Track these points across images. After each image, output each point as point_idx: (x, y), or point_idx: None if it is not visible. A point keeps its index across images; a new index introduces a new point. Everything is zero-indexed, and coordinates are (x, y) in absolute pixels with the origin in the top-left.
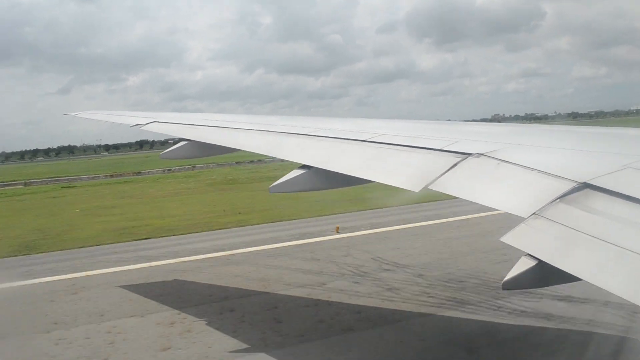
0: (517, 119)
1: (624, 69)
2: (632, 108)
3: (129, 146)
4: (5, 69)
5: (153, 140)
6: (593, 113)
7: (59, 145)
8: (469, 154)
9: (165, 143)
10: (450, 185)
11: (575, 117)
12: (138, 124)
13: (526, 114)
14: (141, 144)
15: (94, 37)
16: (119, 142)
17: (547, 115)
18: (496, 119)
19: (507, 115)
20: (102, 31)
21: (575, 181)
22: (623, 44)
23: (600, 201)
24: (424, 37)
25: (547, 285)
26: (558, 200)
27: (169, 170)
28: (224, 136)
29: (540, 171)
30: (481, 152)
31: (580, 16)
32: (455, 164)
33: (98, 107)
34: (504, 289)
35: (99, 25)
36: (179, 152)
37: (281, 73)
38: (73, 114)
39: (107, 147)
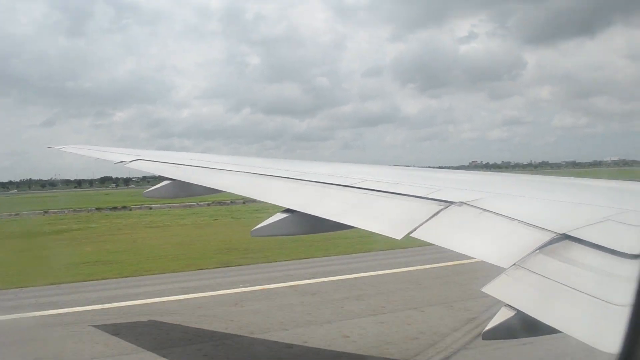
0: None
1: (604, 119)
2: (607, 159)
3: (99, 182)
4: None
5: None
6: (564, 163)
7: (40, 178)
8: (451, 202)
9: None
10: (432, 234)
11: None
12: (122, 161)
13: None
14: (116, 181)
15: (82, 72)
16: (103, 175)
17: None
18: (473, 165)
19: (489, 162)
20: (90, 66)
21: (555, 232)
22: (601, 94)
23: (580, 252)
24: (408, 82)
25: (527, 337)
26: (538, 250)
27: (150, 207)
28: (208, 177)
29: (520, 221)
30: (463, 201)
31: (560, 67)
32: (437, 212)
33: (84, 142)
34: (483, 339)
35: (87, 60)
36: (162, 192)
37: (267, 113)
38: (57, 147)
39: (78, 182)
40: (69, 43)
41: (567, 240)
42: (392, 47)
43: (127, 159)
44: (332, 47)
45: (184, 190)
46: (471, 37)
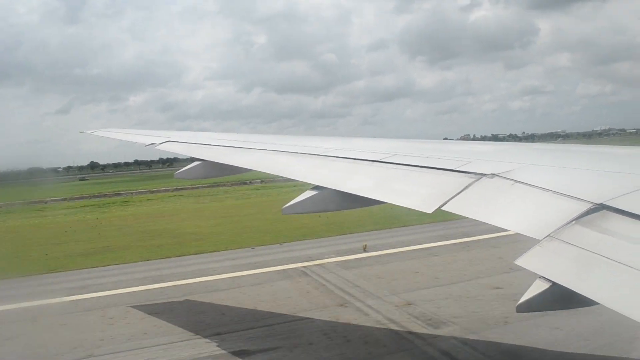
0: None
1: (630, 86)
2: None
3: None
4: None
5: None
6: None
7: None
8: (483, 175)
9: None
10: (463, 207)
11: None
12: (153, 143)
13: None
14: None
15: (88, 58)
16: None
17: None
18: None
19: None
20: (93, 52)
21: (592, 202)
22: (624, 60)
23: (618, 223)
24: (417, 54)
25: (562, 309)
26: (574, 221)
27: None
28: (238, 156)
29: (555, 192)
30: (495, 173)
31: (577, 32)
32: (469, 185)
33: (102, 127)
34: (517, 311)
35: (90, 47)
36: (193, 172)
37: (280, 92)
38: (90, 131)
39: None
40: (70, 30)
41: (604, 211)
42: (398, 19)
43: (157, 141)
44: (337, 21)
45: (214, 170)
46: (474, 5)
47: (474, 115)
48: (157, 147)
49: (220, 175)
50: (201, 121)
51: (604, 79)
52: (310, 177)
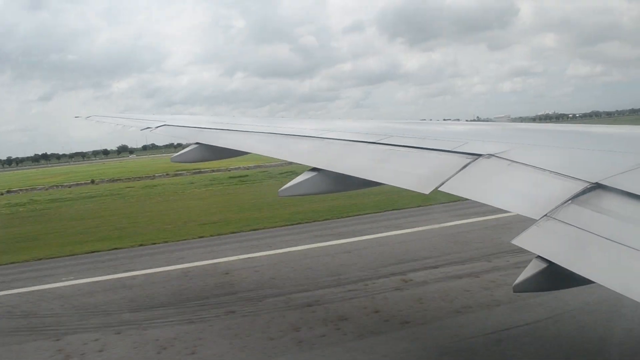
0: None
1: (619, 66)
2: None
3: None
4: None
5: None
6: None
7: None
8: (480, 155)
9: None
10: (460, 187)
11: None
12: (148, 127)
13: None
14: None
15: (62, 44)
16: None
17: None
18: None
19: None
20: (65, 38)
21: (587, 181)
22: (610, 39)
23: (613, 201)
24: (396, 36)
25: (558, 289)
26: (570, 201)
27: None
28: (235, 139)
29: (551, 172)
30: (491, 153)
31: (560, 12)
32: (466, 165)
33: (89, 114)
34: (514, 291)
35: (60, 33)
36: (190, 155)
37: (263, 76)
38: (85, 117)
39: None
40: (37, 16)
41: (599, 190)
42: (374, 1)
43: (153, 125)
44: (313, 2)
45: (211, 153)
46: None
47: (466, 98)
48: (153, 131)
49: (217, 159)
50: (189, 106)
51: (592, 60)
52: (306, 159)
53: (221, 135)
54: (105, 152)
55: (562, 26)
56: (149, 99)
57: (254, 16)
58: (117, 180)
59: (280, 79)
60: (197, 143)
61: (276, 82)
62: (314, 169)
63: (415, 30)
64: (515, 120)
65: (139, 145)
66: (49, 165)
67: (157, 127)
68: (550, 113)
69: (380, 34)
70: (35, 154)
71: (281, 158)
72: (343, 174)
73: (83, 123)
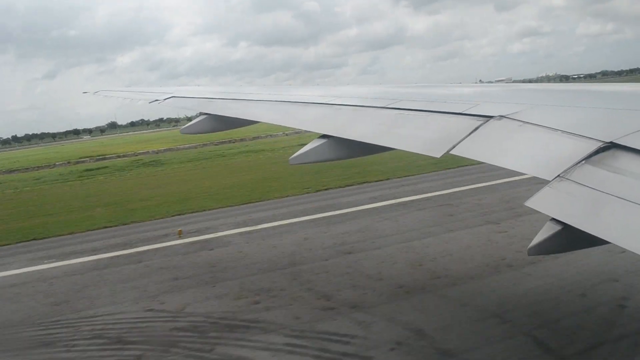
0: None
1: (631, 23)
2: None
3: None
4: None
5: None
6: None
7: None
8: (491, 117)
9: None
10: (472, 150)
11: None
12: (157, 100)
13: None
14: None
15: (60, 20)
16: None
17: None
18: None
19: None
20: (70, 13)
21: (602, 141)
22: None
23: (628, 161)
24: None
25: (573, 250)
26: (584, 161)
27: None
28: (243, 109)
29: (564, 132)
30: (503, 115)
31: None
32: (477, 128)
33: (95, 89)
34: (529, 254)
35: (58, 9)
36: (199, 127)
37: (266, 45)
38: (93, 92)
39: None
40: None
41: (614, 149)
42: None
43: (161, 98)
44: None
45: (220, 124)
46: None
47: (475, 60)
48: (162, 104)
49: (227, 129)
50: (194, 78)
51: (602, 18)
52: (315, 126)
53: (229, 105)
54: (102, 130)
55: None
56: (153, 72)
57: None
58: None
59: (284, 47)
60: (205, 114)
61: (280, 50)
62: (323, 136)
63: None
64: (517, 82)
65: (152, 118)
66: (30, 146)
67: (165, 99)
68: (550, 75)
69: None
70: (42, 132)
71: (290, 126)
72: (353, 140)
73: (91, 99)
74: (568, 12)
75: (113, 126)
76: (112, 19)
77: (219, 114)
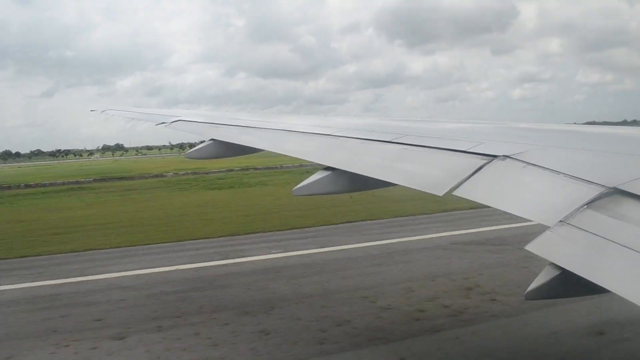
0: None
1: (630, 74)
2: None
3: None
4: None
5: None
6: None
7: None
8: (495, 156)
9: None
10: (474, 190)
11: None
12: (163, 122)
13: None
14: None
15: (59, 40)
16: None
17: None
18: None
19: None
20: (62, 34)
21: (604, 186)
22: (618, 45)
23: (631, 207)
24: (394, 38)
25: (572, 297)
26: (586, 206)
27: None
28: (249, 136)
29: (567, 175)
30: (507, 155)
31: (563, 16)
32: (481, 167)
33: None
34: (526, 299)
35: (56, 29)
36: (204, 152)
37: (264, 77)
38: (100, 110)
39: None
40: (28, 12)
41: (617, 195)
42: (372, 2)
43: (168, 120)
44: (308, 2)
45: (225, 150)
46: None
47: (476, 104)
48: (168, 127)
49: (232, 155)
50: (195, 105)
51: (601, 67)
52: (320, 158)
53: (236, 132)
54: (110, 150)
55: (565, 30)
56: (153, 97)
57: (251, 14)
58: None
59: (282, 80)
60: (211, 139)
61: (279, 82)
62: (327, 168)
63: (413, 31)
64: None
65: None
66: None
67: (173, 122)
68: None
69: (379, 35)
70: (37, 149)
71: (295, 156)
72: (356, 174)
73: (91, 119)
74: (565, 58)
75: (119, 148)
76: (109, 42)
77: (226, 140)
